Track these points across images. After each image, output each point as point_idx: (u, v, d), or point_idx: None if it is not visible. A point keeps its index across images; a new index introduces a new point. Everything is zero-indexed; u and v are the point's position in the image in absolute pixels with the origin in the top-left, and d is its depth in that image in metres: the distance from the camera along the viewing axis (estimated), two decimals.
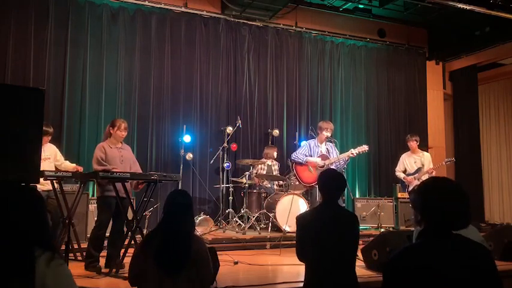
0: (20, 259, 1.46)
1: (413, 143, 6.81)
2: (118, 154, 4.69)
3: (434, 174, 6.71)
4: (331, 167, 6.05)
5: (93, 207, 5.94)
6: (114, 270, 4.21)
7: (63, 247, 4.29)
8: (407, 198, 7.98)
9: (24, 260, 1.46)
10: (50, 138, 5.51)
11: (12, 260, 1.45)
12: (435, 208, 1.70)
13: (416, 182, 6.58)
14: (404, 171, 6.85)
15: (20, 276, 1.44)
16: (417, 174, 6.65)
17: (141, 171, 4.94)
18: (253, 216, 6.76)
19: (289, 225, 6.48)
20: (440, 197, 1.72)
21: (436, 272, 1.59)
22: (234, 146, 7.80)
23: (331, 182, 3.06)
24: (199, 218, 6.87)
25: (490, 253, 1.72)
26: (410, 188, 6.71)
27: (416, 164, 6.76)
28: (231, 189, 7.26)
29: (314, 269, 2.92)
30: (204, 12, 8.05)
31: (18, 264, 1.45)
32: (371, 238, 5.05)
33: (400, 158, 6.99)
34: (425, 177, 6.55)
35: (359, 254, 4.26)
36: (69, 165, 5.55)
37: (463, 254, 1.64)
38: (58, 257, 1.56)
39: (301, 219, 3.13)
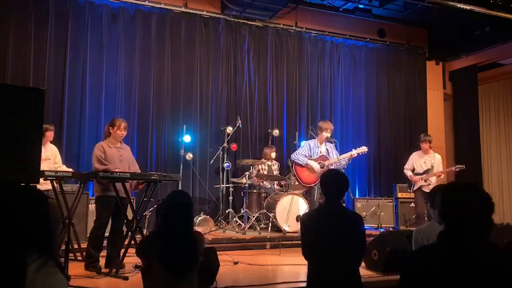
0: (11, 264, 1.36)
1: (426, 145, 6.73)
2: (117, 154, 4.69)
3: (442, 177, 6.71)
4: (331, 167, 6.05)
5: (93, 207, 5.93)
6: (114, 270, 4.21)
7: (63, 247, 4.28)
8: (411, 198, 8.00)
9: (14, 265, 1.36)
10: (52, 134, 5.53)
11: (3, 265, 1.36)
12: (457, 216, 1.70)
13: (423, 183, 6.55)
14: (413, 170, 6.80)
15: (9, 283, 1.34)
16: (425, 175, 6.60)
17: (139, 172, 4.93)
18: (253, 216, 6.76)
19: (289, 225, 6.48)
20: (464, 206, 1.70)
21: (451, 275, 1.60)
22: (234, 146, 7.80)
23: (330, 181, 3.06)
24: (199, 218, 6.87)
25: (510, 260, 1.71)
26: (415, 188, 6.67)
27: (425, 164, 6.68)
28: (231, 189, 7.26)
29: (316, 268, 2.92)
30: (204, 12, 8.05)
31: (8, 270, 1.36)
32: (371, 238, 5.05)
33: (411, 156, 6.93)
34: (433, 179, 6.54)
35: None
36: (65, 170, 5.56)
37: (480, 259, 1.63)
38: (52, 264, 1.44)
39: (304, 219, 3.12)
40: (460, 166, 6.89)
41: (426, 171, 6.62)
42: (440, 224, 1.81)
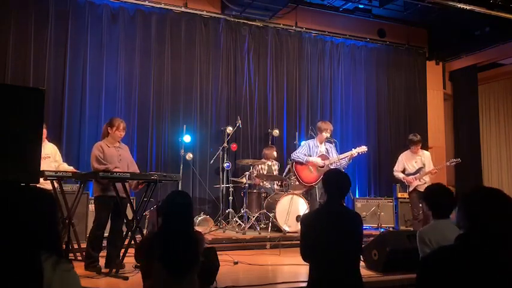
0: (27, 264, 1.38)
1: (418, 147, 6.58)
2: (116, 153, 4.68)
3: (435, 174, 6.65)
4: (331, 167, 6.05)
5: (93, 207, 5.92)
6: (114, 270, 4.21)
7: (63, 247, 4.29)
8: (407, 198, 7.97)
9: (31, 264, 1.38)
10: (45, 131, 5.52)
11: (20, 265, 1.37)
12: (482, 225, 1.70)
13: (418, 182, 6.44)
14: (403, 171, 6.68)
15: (28, 282, 1.36)
16: (418, 174, 6.51)
17: (138, 171, 4.92)
18: (253, 216, 6.76)
19: (289, 225, 6.49)
20: (491, 212, 1.70)
21: (469, 278, 1.61)
22: (234, 146, 7.80)
23: (332, 181, 3.06)
24: (199, 218, 6.87)
25: None
26: (411, 189, 6.53)
27: (417, 163, 6.56)
28: (231, 189, 7.26)
29: (318, 268, 2.91)
30: (204, 12, 8.05)
31: (26, 269, 1.37)
32: (371, 238, 5.05)
33: (399, 158, 6.77)
34: (426, 177, 6.48)
35: None
36: (66, 168, 5.56)
37: (499, 263, 1.64)
38: (65, 261, 1.48)
39: (304, 219, 3.12)
40: (455, 160, 6.77)
41: (418, 170, 6.51)
42: (460, 228, 1.80)
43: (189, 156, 7.40)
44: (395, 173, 6.77)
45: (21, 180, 2.56)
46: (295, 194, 6.70)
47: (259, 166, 7.54)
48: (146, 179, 4.56)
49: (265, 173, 7.44)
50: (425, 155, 6.64)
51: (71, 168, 5.55)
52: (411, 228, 7.08)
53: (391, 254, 4.34)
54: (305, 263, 3.07)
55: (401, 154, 6.83)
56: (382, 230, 7.55)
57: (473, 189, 1.84)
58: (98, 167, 4.46)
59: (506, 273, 1.61)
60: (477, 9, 7.71)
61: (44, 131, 5.53)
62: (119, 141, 4.79)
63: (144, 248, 2.72)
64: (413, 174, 6.54)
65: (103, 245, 4.66)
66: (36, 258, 1.40)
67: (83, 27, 7.19)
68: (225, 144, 7.61)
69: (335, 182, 3.04)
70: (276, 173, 7.59)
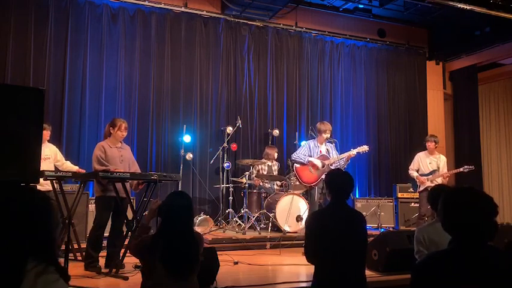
0: (8, 271, 1.32)
1: (431, 144, 6.71)
2: (118, 154, 4.69)
3: (448, 179, 6.72)
4: (332, 167, 6.04)
5: (93, 207, 5.93)
6: (114, 270, 4.21)
7: (63, 247, 4.29)
8: (411, 198, 7.99)
9: (11, 273, 1.32)
10: (49, 133, 5.54)
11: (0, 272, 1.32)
12: (460, 225, 1.73)
13: (429, 184, 6.53)
14: (417, 170, 6.78)
15: None
16: (431, 176, 6.60)
17: (139, 171, 4.93)
18: (253, 216, 6.76)
19: (289, 225, 6.48)
20: (464, 215, 1.72)
21: (463, 281, 1.62)
22: (234, 146, 7.80)
23: (336, 181, 3.06)
24: (199, 218, 6.87)
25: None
26: (421, 188, 6.65)
27: (431, 165, 6.68)
28: (231, 189, 7.26)
29: (324, 268, 2.91)
30: (204, 12, 8.05)
31: (5, 277, 1.32)
32: (371, 238, 5.05)
33: (416, 157, 6.90)
34: (439, 179, 6.55)
35: None
36: (71, 167, 5.57)
37: (491, 264, 1.66)
38: (52, 270, 1.39)
39: (310, 219, 3.12)
40: (469, 167, 6.82)
41: (432, 172, 6.64)
42: (444, 230, 1.82)
43: (189, 156, 7.39)
44: (410, 171, 6.92)
45: (21, 180, 2.56)
46: (295, 194, 6.70)
47: (259, 166, 7.54)
48: (146, 179, 4.56)
49: (265, 173, 7.44)
50: (441, 159, 6.79)
51: (76, 168, 5.56)
52: (411, 228, 7.09)
53: (391, 254, 4.35)
54: (306, 263, 3.07)
55: (417, 154, 6.97)
56: (382, 230, 7.55)
57: (444, 195, 1.85)
58: (98, 168, 4.46)
59: (496, 276, 1.63)
60: (477, 9, 7.71)
61: (48, 132, 5.55)
62: (120, 142, 4.80)
63: (146, 248, 2.71)
64: (427, 175, 6.65)
65: (103, 245, 4.66)
66: (19, 266, 1.34)
67: (83, 27, 7.19)
68: (225, 144, 7.61)
69: (340, 182, 3.04)
70: (276, 173, 7.59)
